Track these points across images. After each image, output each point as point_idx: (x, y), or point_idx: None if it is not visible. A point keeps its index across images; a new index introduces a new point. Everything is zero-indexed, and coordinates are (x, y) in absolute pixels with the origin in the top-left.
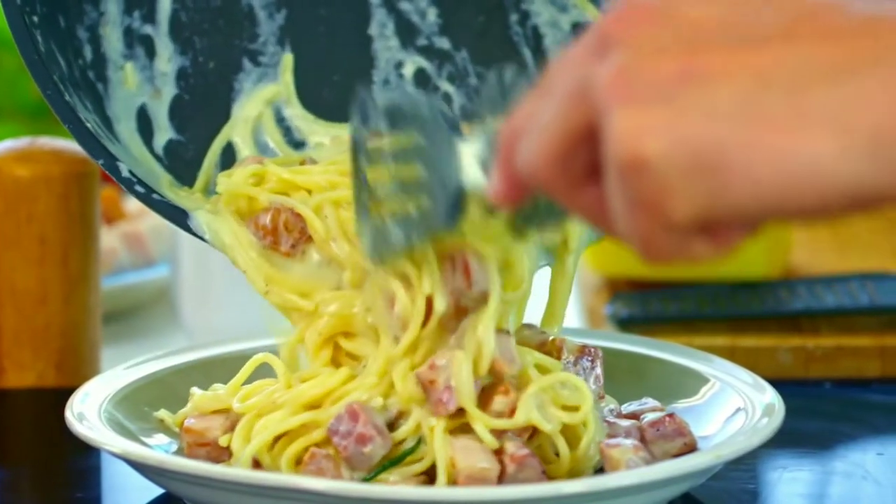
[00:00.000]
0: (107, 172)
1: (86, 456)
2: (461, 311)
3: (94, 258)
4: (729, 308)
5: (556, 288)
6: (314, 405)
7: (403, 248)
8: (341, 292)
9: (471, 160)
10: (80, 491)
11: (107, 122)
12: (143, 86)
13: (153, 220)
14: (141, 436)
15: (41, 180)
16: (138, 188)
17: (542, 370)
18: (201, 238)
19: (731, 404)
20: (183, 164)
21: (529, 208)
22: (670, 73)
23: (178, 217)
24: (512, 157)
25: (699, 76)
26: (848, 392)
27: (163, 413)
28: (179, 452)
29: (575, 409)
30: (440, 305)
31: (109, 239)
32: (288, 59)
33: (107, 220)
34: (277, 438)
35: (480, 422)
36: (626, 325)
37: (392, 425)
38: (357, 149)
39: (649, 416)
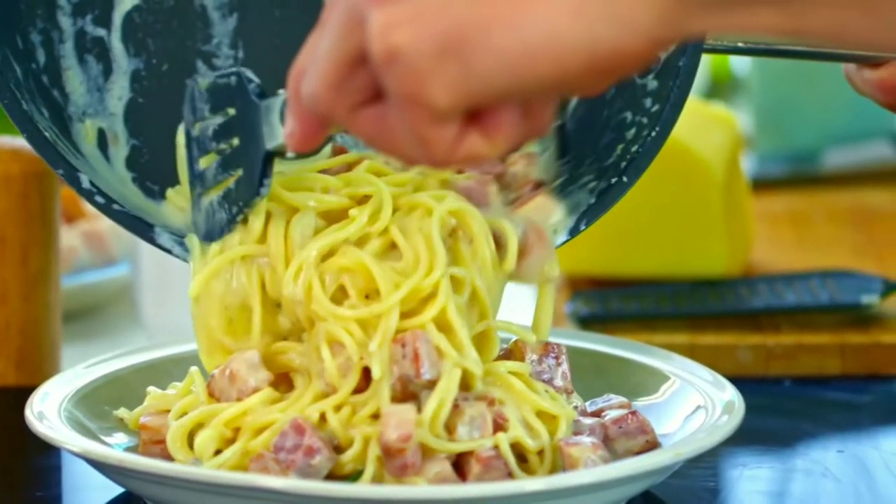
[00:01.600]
0: (66, 183)
1: (46, 455)
2: (409, 396)
3: (54, 257)
4: (689, 306)
5: (540, 306)
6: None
7: (231, 224)
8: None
9: (277, 118)
10: (41, 490)
11: (65, 131)
12: (96, 107)
13: None
14: (101, 435)
15: (0, 179)
16: (98, 199)
17: (517, 375)
18: (167, 251)
19: (691, 402)
20: (141, 168)
21: None
22: None
23: (140, 228)
24: (299, 95)
25: None
26: (808, 390)
27: (122, 412)
28: (136, 450)
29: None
30: (376, 374)
31: (69, 238)
32: None
33: (67, 219)
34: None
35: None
36: (587, 323)
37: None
38: (188, 142)
39: (612, 414)
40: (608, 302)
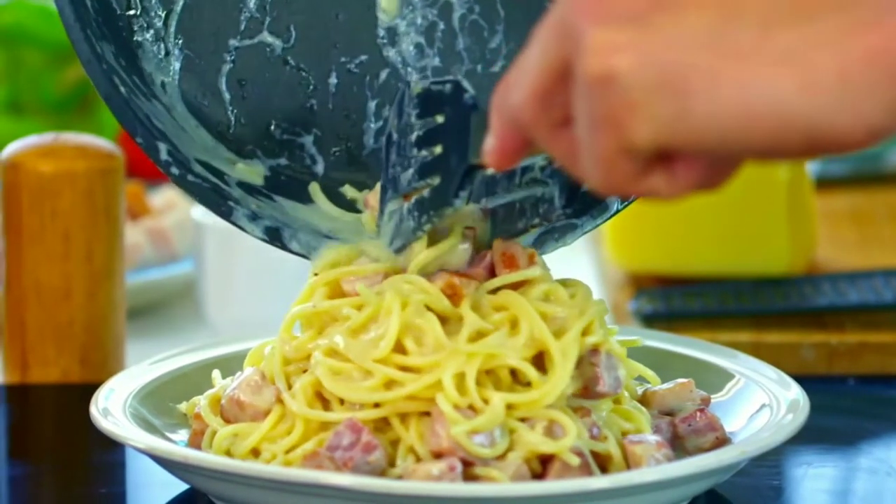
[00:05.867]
0: (144, 153)
1: (110, 452)
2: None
3: (118, 254)
4: (753, 304)
5: None
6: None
7: (417, 231)
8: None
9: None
10: (105, 486)
11: (143, 80)
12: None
13: (178, 216)
14: (165, 431)
15: (65, 176)
16: (174, 170)
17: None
18: (240, 227)
19: (756, 400)
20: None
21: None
22: None
23: (214, 202)
24: (503, 110)
25: (672, 4)
26: (872, 388)
27: (183, 405)
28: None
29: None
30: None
31: (134, 234)
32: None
33: (131, 216)
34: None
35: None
36: (651, 321)
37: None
38: (388, 145)
39: (682, 412)
40: (672, 300)
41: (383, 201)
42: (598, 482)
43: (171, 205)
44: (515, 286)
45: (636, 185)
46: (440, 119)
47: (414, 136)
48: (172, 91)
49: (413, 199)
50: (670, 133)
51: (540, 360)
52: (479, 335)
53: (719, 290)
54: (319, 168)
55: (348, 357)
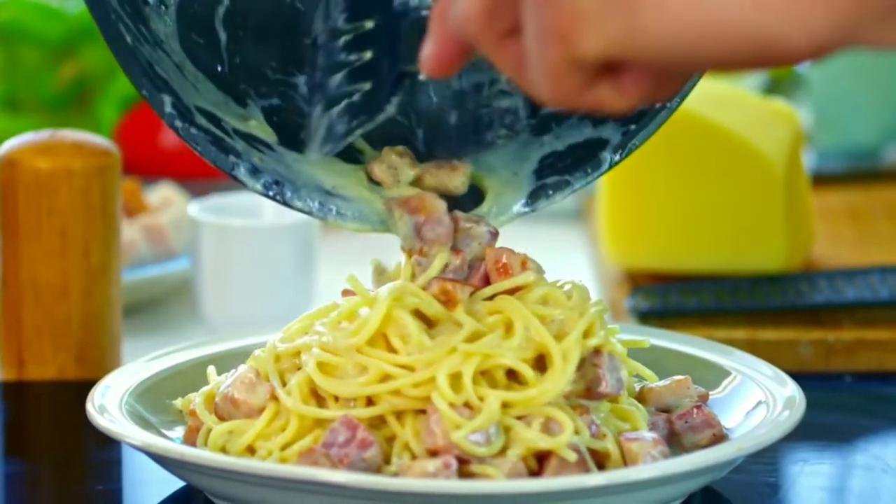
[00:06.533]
0: (149, 105)
1: (107, 449)
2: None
3: (114, 251)
4: (749, 301)
5: None
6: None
7: (348, 136)
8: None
9: (416, 38)
10: (101, 484)
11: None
12: None
13: (174, 213)
14: (162, 428)
15: (62, 173)
16: (178, 122)
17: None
18: (242, 183)
19: (752, 397)
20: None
21: None
22: None
23: (219, 158)
24: (445, 19)
25: None
26: (869, 385)
27: (179, 402)
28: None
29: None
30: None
31: (130, 232)
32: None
33: (127, 213)
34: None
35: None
36: (647, 318)
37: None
38: (314, 48)
39: (679, 409)
40: (668, 297)
41: (311, 104)
42: (595, 479)
43: (167, 202)
44: (511, 292)
45: (583, 97)
46: (370, 24)
47: (342, 41)
48: (171, 33)
49: (343, 104)
50: (619, 46)
51: (542, 364)
52: (475, 337)
53: (716, 287)
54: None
55: (334, 348)
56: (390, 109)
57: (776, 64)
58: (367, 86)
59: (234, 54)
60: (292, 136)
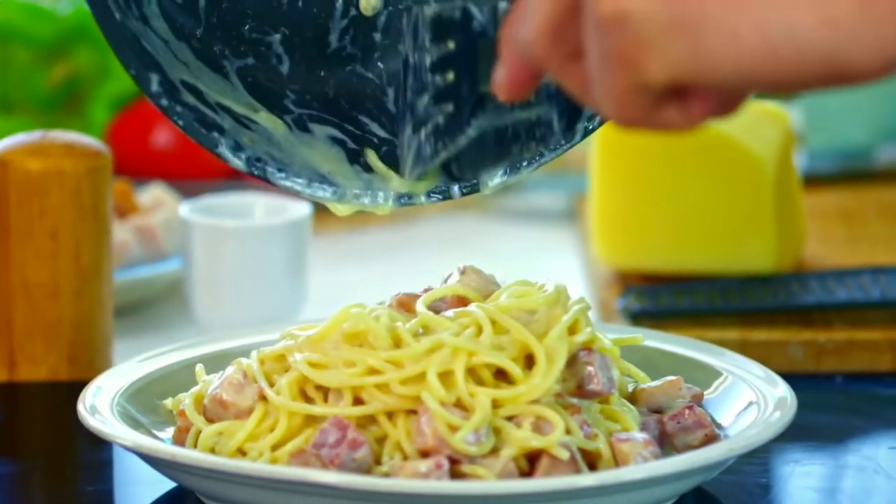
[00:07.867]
0: (136, 84)
1: (98, 449)
2: None
3: (106, 252)
4: (740, 302)
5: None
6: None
7: (434, 158)
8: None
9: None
10: (92, 484)
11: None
12: None
13: (165, 214)
14: (153, 429)
15: (53, 174)
16: (163, 101)
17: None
18: (225, 160)
19: (744, 398)
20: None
21: None
22: None
23: (203, 136)
24: (514, 43)
25: None
26: (860, 386)
27: (169, 402)
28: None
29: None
30: None
31: (121, 232)
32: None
33: (119, 214)
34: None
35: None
36: (638, 319)
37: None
38: (405, 68)
39: (671, 410)
40: (659, 298)
41: (401, 126)
42: (585, 480)
43: (158, 203)
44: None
45: (650, 119)
46: (451, 45)
47: (428, 62)
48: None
49: (430, 126)
50: (685, 71)
51: (531, 364)
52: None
53: (707, 287)
54: (285, 68)
55: (320, 344)
56: (471, 132)
57: (844, 83)
58: (450, 107)
59: (212, 14)
60: (265, 96)
